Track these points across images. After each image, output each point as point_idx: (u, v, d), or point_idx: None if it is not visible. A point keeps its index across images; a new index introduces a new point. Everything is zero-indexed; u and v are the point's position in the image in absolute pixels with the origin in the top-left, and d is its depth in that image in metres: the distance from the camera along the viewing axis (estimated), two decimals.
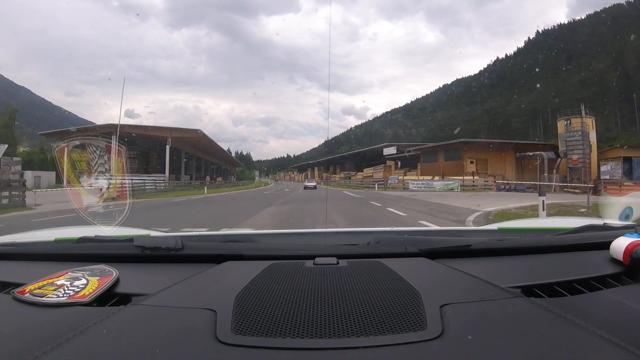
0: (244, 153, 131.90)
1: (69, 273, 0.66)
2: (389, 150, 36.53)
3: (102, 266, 0.71)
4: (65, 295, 0.59)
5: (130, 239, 0.82)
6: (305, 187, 26.67)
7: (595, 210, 7.03)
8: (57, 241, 0.99)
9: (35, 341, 0.45)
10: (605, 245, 0.73)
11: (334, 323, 0.48)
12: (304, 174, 68.61)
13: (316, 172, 59.12)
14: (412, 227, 1.26)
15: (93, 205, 1.13)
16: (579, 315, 0.49)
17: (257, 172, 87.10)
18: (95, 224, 1.07)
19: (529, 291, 0.61)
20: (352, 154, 42.74)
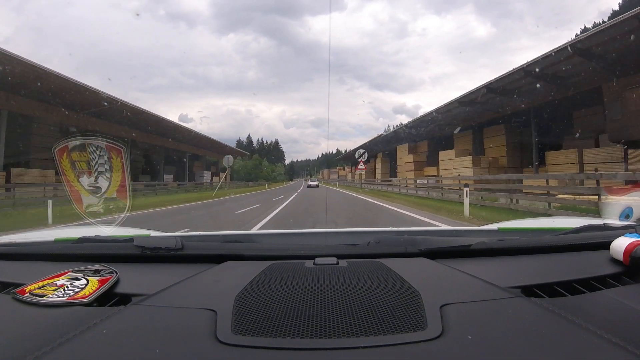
0: (268, 142, 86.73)
1: (69, 273, 0.66)
2: None
3: (102, 266, 0.71)
4: (65, 295, 0.59)
5: (130, 239, 0.82)
6: (309, 186, 26.80)
7: None
8: (57, 241, 0.99)
9: (35, 341, 0.45)
10: (605, 245, 0.73)
11: (334, 323, 0.48)
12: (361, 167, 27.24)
13: (379, 164, 25.77)
14: (412, 227, 1.26)
15: (93, 205, 1.13)
16: (579, 315, 0.49)
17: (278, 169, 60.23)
18: (95, 224, 1.07)
19: (529, 291, 0.61)
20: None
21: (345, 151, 49.51)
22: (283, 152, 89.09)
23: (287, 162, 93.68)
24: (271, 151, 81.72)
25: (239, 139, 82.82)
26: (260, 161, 57.21)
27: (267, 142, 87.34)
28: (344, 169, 46.66)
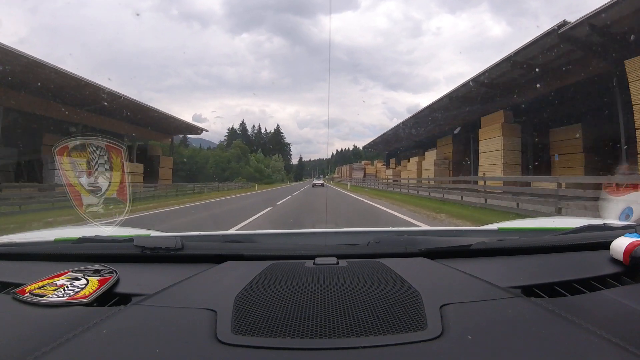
0: (267, 130, 66.17)
1: (69, 273, 0.66)
2: None
3: (102, 266, 0.71)
4: (65, 295, 0.59)
5: (130, 239, 0.82)
6: (314, 185, 26.83)
7: None
8: (57, 241, 0.99)
9: (35, 341, 0.45)
10: (605, 245, 0.73)
11: (334, 323, 0.48)
12: (407, 160, 20.98)
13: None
14: (412, 227, 1.26)
15: (93, 205, 1.13)
16: (579, 315, 0.49)
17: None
18: (95, 224, 1.07)
19: (529, 291, 0.61)
20: None
21: (362, 147, 34.33)
22: (288, 144, 68.89)
23: (297, 160, 76.18)
24: (269, 143, 61.20)
25: (232, 126, 63.02)
26: (245, 151, 38.75)
27: (266, 131, 66.23)
28: (371, 164, 33.17)
